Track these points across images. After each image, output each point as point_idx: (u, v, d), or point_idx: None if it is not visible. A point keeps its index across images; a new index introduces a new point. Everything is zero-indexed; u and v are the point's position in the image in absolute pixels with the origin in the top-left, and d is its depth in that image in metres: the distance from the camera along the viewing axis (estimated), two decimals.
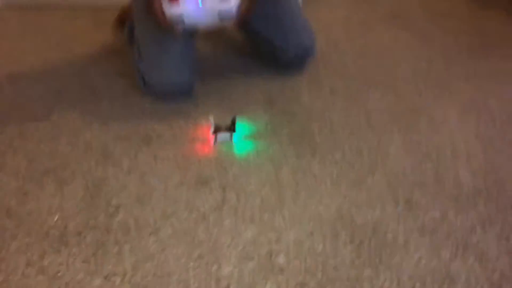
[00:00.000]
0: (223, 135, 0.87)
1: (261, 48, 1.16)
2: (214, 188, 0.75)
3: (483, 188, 0.74)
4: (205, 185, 0.76)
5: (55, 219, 0.68)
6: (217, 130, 0.87)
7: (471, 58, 1.21)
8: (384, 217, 0.68)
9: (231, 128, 0.88)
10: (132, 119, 0.95)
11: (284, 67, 1.13)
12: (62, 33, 1.43)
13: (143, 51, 1.02)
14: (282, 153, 0.84)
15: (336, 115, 0.96)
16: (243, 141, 0.88)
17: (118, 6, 1.26)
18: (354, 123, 0.93)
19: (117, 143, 0.86)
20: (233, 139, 0.87)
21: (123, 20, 1.21)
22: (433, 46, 1.29)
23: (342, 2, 1.77)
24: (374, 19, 1.56)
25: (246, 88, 1.07)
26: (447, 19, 1.51)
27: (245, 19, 0.95)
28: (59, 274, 0.60)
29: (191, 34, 1.01)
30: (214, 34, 1.24)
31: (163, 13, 0.87)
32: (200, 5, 0.85)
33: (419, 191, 0.73)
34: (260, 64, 1.17)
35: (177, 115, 0.96)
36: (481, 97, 1.01)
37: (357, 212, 0.69)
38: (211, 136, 0.87)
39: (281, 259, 0.61)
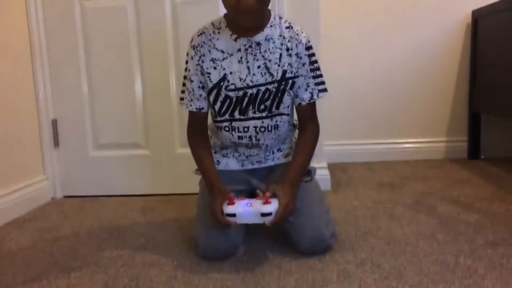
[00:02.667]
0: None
1: (286, 231, 1.33)
2: None
3: None
4: None
5: None
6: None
7: (495, 252, 1.24)
8: None
9: None
10: None
11: (302, 253, 1.29)
12: (113, 222, 1.58)
13: (198, 219, 1.34)
14: None
15: None
16: None
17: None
18: None
19: None
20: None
21: None
22: (458, 239, 1.34)
23: (368, 189, 1.89)
24: (399, 206, 1.65)
25: (280, 274, 1.12)
26: (469, 210, 1.58)
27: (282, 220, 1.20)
28: None
29: None
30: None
31: (221, 211, 1.17)
32: (249, 207, 1.16)
33: None
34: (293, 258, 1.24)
35: None
36: None
37: None
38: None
39: None
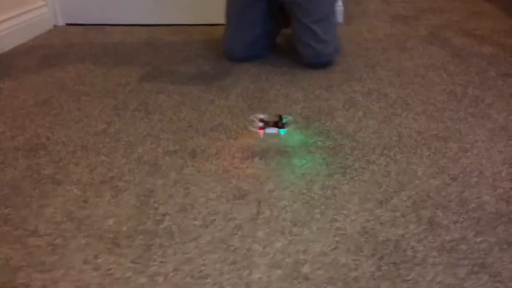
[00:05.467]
0: (271, 129, 0.99)
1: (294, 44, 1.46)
2: (251, 201, 0.82)
3: (505, 213, 0.77)
4: (242, 198, 0.83)
5: (110, 223, 0.78)
6: (265, 125, 1.00)
7: (506, 83, 1.22)
8: (406, 235, 0.73)
9: (279, 125, 1.00)
10: (181, 134, 1.05)
11: (306, 65, 1.42)
12: (119, 50, 1.57)
13: (227, 23, 1.48)
14: (315, 170, 0.90)
15: (368, 136, 1.01)
16: (290, 134, 1.01)
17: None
18: (385, 144, 0.97)
19: (165, 157, 0.96)
20: (280, 133, 1.00)
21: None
22: (469, 70, 1.31)
23: (382, 22, 1.81)
24: (412, 39, 1.60)
25: (285, 112, 1.14)
26: (485, 43, 1.52)
27: None
28: (111, 272, 0.69)
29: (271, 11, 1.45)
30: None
31: None
32: None
33: (442, 212, 0.77)
34: (301, 78, 1.24)
35: (220, 131, 1.05)
36: (511, 124, 1.02)
37: (380, 229, 0.74)
38: (259, 131, 1.00)
39: (306, 269, 0.68)
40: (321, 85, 1.28)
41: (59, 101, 1.23)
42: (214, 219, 0.78)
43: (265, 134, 1.00)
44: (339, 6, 1.81)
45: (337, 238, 0.73)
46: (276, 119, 1.02)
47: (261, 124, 1.01)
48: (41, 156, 0.97)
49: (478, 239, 0.71)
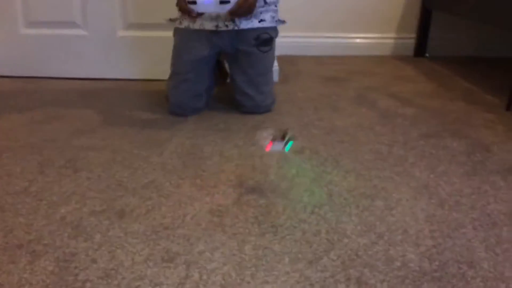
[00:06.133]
0: (277, 144, 1.04)
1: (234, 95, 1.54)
2: (179, 264, 0.79)
3: (428, 271, 0.79)
4: (170, 261, 0.80)
5: None
6: (273, 140, 1.04)
7: (427, 144, 1.30)
8: None
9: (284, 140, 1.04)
10: (109, 192, 1.01)
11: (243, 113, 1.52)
12: (50, 103, 1.51)
13: (174, 76, 1.49)
14: (247, 230, 0.89)
15: (300, 194, 1.02)
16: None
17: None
18: (316, 202, 0.99)
19: (91, 218, 0.91)
20: (285, 150, 1.04)
21: None
22: (394, 130, 1.39)
23: (315, 83, 1.90)
24: (343, 99, 1.68)
25: (219, 170, 1.14)
26: (408, 105, 1.63)
27: (241, 11, 1.34)
28: None
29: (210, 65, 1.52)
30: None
31: (185, 1, 1.28)
32: None
33: (370, 271, 0.78)
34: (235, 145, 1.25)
35: (151, 189, 1.02)
36: (432, 182, 1.08)
37: None
38: (267, 144, 1.04)
39: None
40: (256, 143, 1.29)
41: None
42: (139, 285, 0.74)
43: (271, 149, 1.05)
44: (275, 66, 1.88)
45: None
46: (282, 133, 1.07)
47: (270, 138, 1.06)
48: None
49: None
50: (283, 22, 1.52)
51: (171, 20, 1.51)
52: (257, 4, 1.40)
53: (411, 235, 0.88)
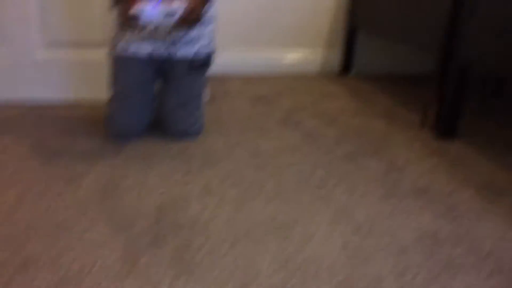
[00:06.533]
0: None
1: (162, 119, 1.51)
2: None
3: None
4: None
5: None
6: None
7: (351, 162, 1.33)
8: None
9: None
10: (12, 240, 0.93)
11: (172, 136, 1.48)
12: None
13: (118, 99, 1.44)
14: (162, 271, 0.86)
15: (219, 227, 1.00)
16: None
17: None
18: (236, 235, 0.97)
19: None
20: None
21: None
22: (318, 151, 1.41)
23: (243, 103, 1.90)
24: (270, 120, 1.68)
25: (138, 204, 1.10)
26: (333, 124, 1.66)
27: (187, 22, 1.34)
28: None
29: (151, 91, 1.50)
30: None
31: (126, 10, 1.26)
32: (154, 6, 1.24)
33: None
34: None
35: (62, 229, 0.96)
36: (350, 206, 1.10)
37: None
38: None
39: None
40: (180, 169, 1.26)
41: None
42: None
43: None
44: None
45: None
46: None
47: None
48: None
49: None
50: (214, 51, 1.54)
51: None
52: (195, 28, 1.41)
53: (327, 267, 0.88)
